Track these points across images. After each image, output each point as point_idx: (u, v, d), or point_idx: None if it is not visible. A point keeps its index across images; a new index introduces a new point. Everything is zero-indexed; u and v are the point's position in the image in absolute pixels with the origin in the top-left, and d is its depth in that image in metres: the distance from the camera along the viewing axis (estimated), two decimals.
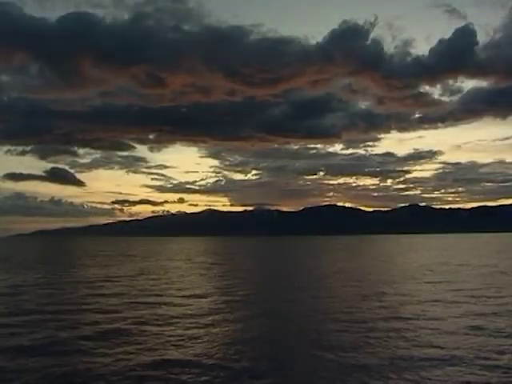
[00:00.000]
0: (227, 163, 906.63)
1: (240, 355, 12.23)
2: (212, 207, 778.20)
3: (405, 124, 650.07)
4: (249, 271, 39.99)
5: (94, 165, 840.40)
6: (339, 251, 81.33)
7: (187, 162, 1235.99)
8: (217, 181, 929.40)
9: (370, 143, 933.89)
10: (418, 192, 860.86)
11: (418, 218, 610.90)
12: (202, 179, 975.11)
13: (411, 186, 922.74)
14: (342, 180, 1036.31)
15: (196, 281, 31.52)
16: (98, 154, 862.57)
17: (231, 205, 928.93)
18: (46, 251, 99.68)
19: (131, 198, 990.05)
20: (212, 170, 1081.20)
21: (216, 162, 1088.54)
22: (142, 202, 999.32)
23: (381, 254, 68.17)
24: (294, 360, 11.87)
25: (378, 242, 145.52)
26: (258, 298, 22.66)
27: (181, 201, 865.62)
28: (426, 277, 31.66)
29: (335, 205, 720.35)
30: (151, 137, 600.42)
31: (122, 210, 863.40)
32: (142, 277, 34.10)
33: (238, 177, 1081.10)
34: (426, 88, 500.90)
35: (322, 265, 46.43)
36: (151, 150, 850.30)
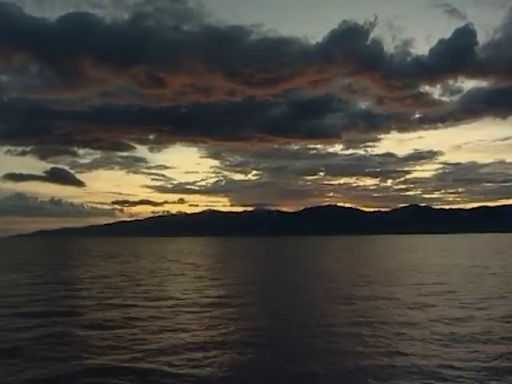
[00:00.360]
0: (227, 163, 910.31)
1: (186, 361, 11.73)
2: (212, 207, 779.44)
3: (405, 124, 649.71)
4: (238, 272, 39.20)
5: (94, 165, 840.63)
6: (337, 251, 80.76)
7: (187, 163, 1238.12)
8: (217, 181, 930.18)
9: (370, 143, 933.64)
10: (418, 192, 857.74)
11: (418, 219, 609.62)
12: (202, 179, 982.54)
13: (411, 186, 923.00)
14: (342, 180, 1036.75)
15: (177, 282, 30.91)
16: (98, 155, 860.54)
17: (231, 205, 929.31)
18: (42, 251, 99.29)
19: (131, 199, 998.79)
20: (212, 170, 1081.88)
21: (216, 163, 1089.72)
22: (142, 202, 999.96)
23: (376, 255, 67.59)
24: (244, 368, 11.22)
25: (377, 243, 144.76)
26: (233, 300, 21.99)
27: (181, 201, 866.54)
28: (413, 278, 31.08)
29: (335, 205, 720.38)
30: (151, 137, 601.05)
31: (122, 211, 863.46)
32: (125, 277, 33.58)
33: (238, 177, 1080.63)
34: (425, 88, 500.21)
35: (312, 265, 45.70)
36: (151, 150, 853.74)
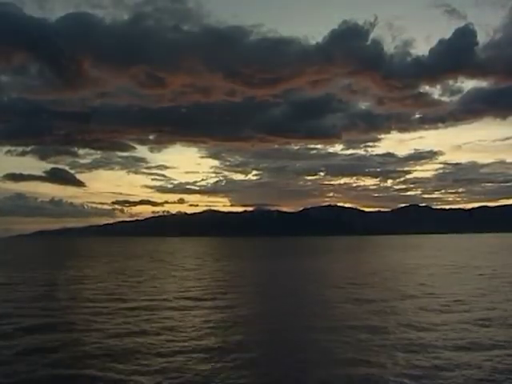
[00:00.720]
0: (227, 164, 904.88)
1: (136, 367, 11.29)
2: (212, 207, 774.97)
3: (405, 124, 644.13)
4: (226, 273, 38.63)
5: (94, 165, 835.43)
6: (336, 251, 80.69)
7: (187, 163, 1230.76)
8: (217, 181, 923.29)
9: (370, 143, 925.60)
10: (419, 192, 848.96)
11: (418, 219, 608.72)
12: (202, 180, 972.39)
13: (411, 186, 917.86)
14: (342, 180, 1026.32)
15: (159, 283, 30.36)
16: (98, 155, 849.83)
17: (231, 205, 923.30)
18: (39, 252, 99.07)
19: (131, 199, 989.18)
20: (212, 170, 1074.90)
21: (216, 163, 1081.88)
22: (142, 202, 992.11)
23: (373, 255, 67.32)
24: (192, 376, 10.65)
25: (376, 243, 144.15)
26: (205, 303, 21.52)
27: (181, 201, 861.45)
28: (399, 280, 30.67)
29: (335, 205, 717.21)
30: (151, 137, 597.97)
31: (122, 211, 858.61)
32: (106, 278, 33.13)
33: (239, 177, 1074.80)
34: (426, 88, 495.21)
35: (306, 266, 45.25)
36: (151, 150, 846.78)
